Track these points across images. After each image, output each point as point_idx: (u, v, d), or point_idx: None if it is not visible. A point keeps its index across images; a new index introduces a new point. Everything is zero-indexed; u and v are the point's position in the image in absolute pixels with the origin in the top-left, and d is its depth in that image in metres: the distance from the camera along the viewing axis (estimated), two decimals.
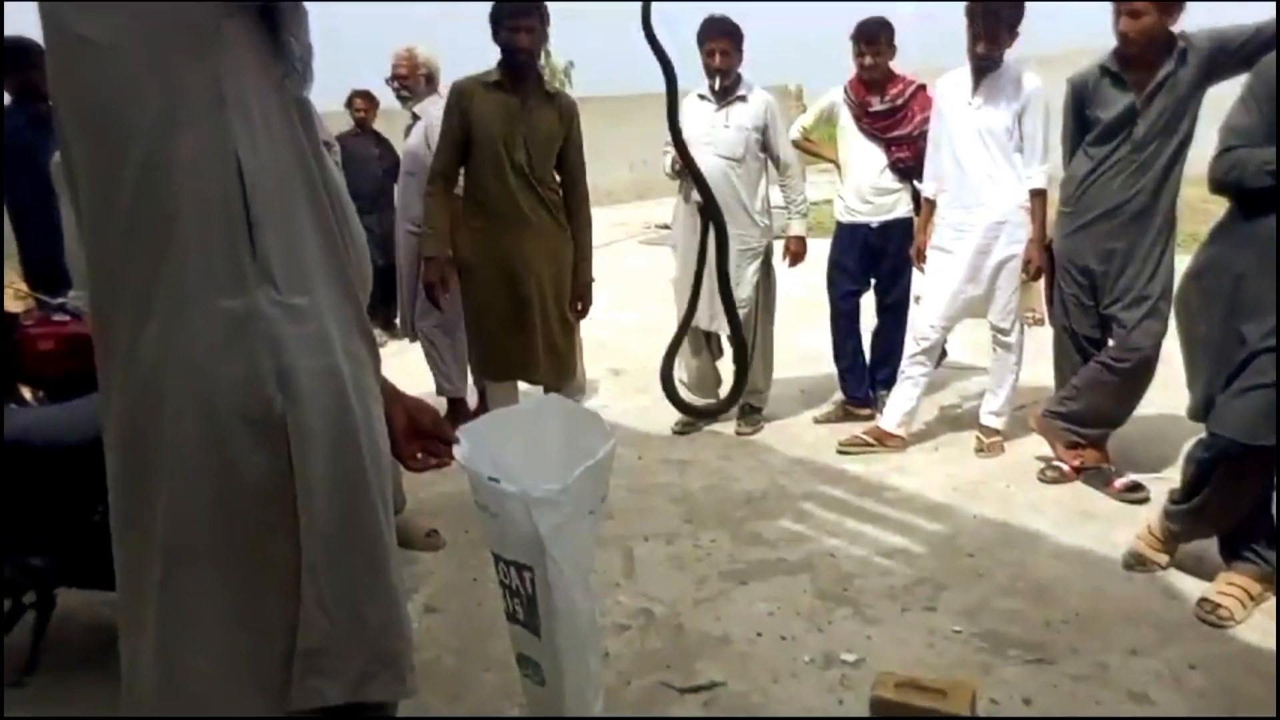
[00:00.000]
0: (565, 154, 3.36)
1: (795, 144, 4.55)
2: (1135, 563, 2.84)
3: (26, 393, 3.65)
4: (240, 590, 1.13)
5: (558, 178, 3.39)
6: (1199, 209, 3.78)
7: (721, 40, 3.85)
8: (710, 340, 4.29)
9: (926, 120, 3.96)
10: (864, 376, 4.38)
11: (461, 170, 3.38)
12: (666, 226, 11.61)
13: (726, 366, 4.37)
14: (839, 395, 4.45)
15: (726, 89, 3.96)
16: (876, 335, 4.39)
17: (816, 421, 4.40)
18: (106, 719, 2.36)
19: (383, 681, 1.24)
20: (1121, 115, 3.15)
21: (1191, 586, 2.72)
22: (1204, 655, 2.41)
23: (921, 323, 3.88)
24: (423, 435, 1.46)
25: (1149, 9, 2.99)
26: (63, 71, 1.06)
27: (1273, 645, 2.42)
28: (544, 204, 3.31)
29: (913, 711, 2.18)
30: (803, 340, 5.44)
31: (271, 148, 1.11)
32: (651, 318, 5.80)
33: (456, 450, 1.53)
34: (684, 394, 4.33)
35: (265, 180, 1.09)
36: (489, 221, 3.29)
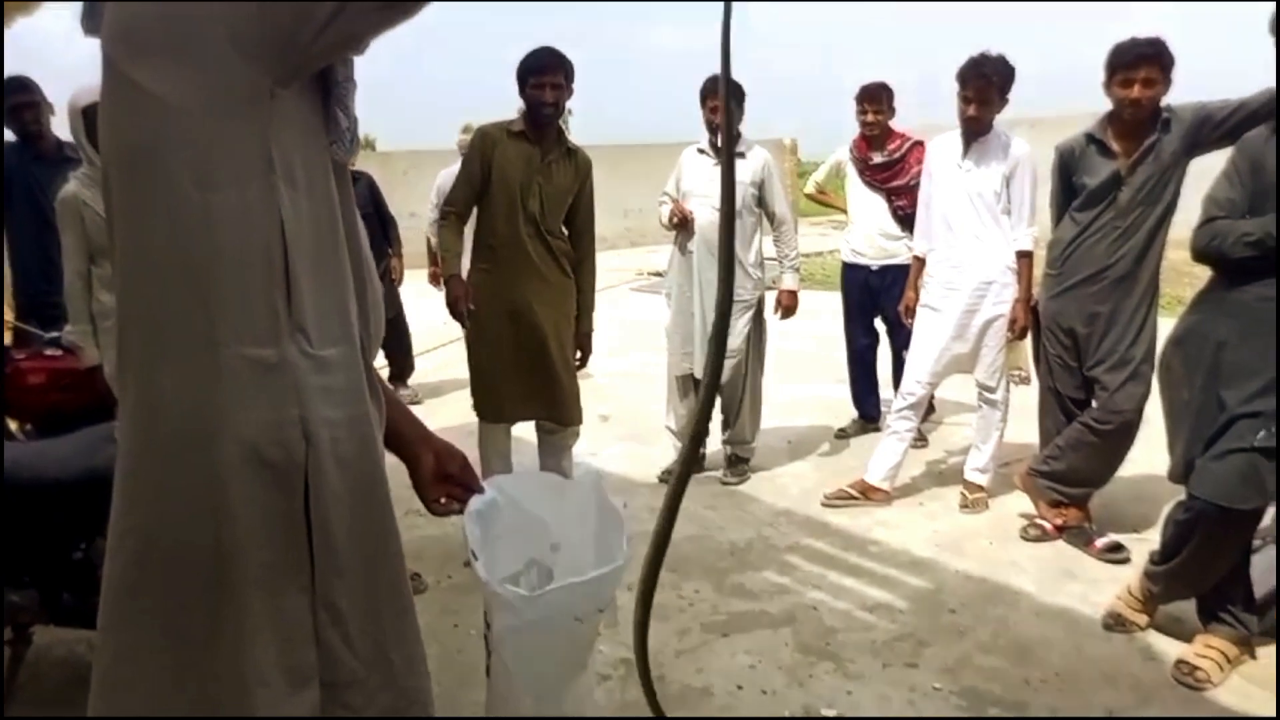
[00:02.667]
0: (576, 208, 3.44)
1: (810, 197, 5.40)
2: (1115, 623, 2.85)
3: (13, 425, 3.64)
4: (228, 634, 1.14)
5: (566, 230, 3.45)
6: (1183, 272, 3.86)
7: (721, 99, 3.94)
8: (699, 385, 4.32)
9: (921, 172, 4.10)
10: (876, 399, 4.92)
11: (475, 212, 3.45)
12: (659, 274, 11.78)
13: (717, 416, 4.40)
14: (855, 413, 4.98)
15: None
16: (895, 373, 4.59)
17: (837, 436, 4.88)
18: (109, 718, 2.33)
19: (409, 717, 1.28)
20: (1107, 182, 3.22)
21: (1170, 648, 2.73)
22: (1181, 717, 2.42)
23: (909, 379, 3.92)
24: (449, 480, 1.47)
25: (1161, 81, 3.09)
26: (114, 114, 1.09)
27: (1249, 709, 2.43)
28: (552, 253, 3.37)
29: None
30: (790, 391, 5.49)
31: (312, 208, 1.16)
32: (641, 365, 5.85)
33: (471, 502, 1.53)
34: (671, 442, 4.39)
35: (304, 238, 1.14)
36: (497, 265, 3.35)
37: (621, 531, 1.73)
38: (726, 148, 1.08)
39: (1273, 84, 2.80)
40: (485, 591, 1.61)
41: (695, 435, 1.23)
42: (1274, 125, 2.61)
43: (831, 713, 2.50)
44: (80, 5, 1.22)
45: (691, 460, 1.20)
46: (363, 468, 1.23)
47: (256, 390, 1.12)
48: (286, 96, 1.13)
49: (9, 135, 4.08)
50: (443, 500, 1.49)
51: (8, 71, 4.01)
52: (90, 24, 1.20)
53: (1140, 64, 3.08)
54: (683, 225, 4.08)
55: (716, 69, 1.02)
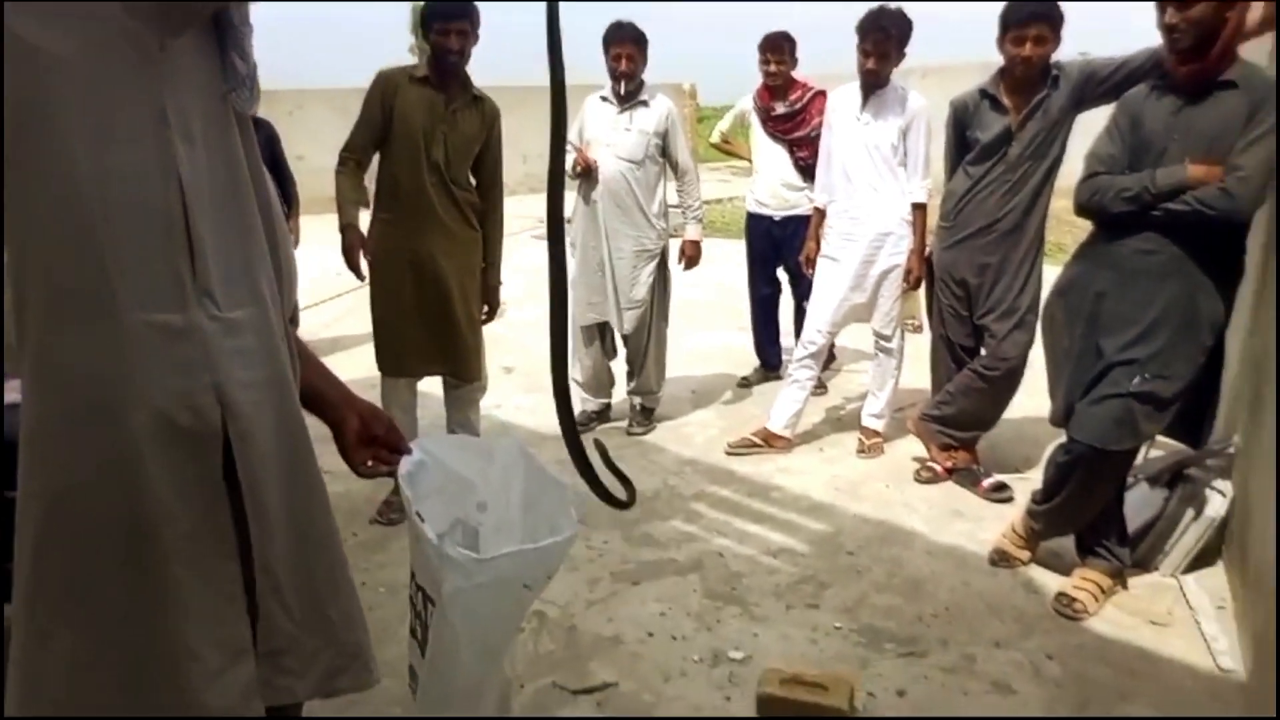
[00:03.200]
0: (483, 158, 3.35)
1: (715, 146, 5.36)
2: (1000, 559, 3.02)
3: None
4: (148, 608, 1.12)
5: (473, 180, 3.36)
6: (1064, 220, 4.01)
7: (628, 46, 3.90)
8: (605, 336, 4.32)
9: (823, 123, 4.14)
10: (778, 348, 5.01)
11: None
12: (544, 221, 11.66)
13: (619, 367, 4.43)
14: (757, 362, 5.06)
15: (630, 93, 4.00)
16: (797, 322, 4.64)
17: (740, 385, 4.95)
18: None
19: (351, 674, 1.31)
20: (998, 137, 3.33)
21: (1050, 581, 2.91)
22: (1060, 646, 2.59)
23: (809, 328, 4.01)
24: (375, 442, 1.46)
25: (1051, 39, 3.19)
26: (7, 75, 1.02)
27: (1121, 636, 2.62)
28: (456, 203, 3.28)
29: (796, 707, 2.28)
30: (693, 340, 5.55)
31: (211, 163, 1.11)
32: (543, 315, 5.70)
33: (402, 463, 1.52)
34: (577, 394, 4.39)
35: (204, 196, 1.10)
36: (400, 215, 3.24)
37: (566, 501, 1.73)
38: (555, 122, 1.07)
39: (1154, 44, 2.93)
40: (426, 550, 1.60)
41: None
42: (1152, 83, 2.72)
43: (739, 655, 2.58)
44: None
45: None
46: (286, 426, 1.23)
47: (164, 357, 1.09)
48: (179, 46, 1.08)
49: None
50: (369, 463, 1.48)
51: None
52: None
53: (1031, 22, 3.17)
54: (586, 174, 4.05)
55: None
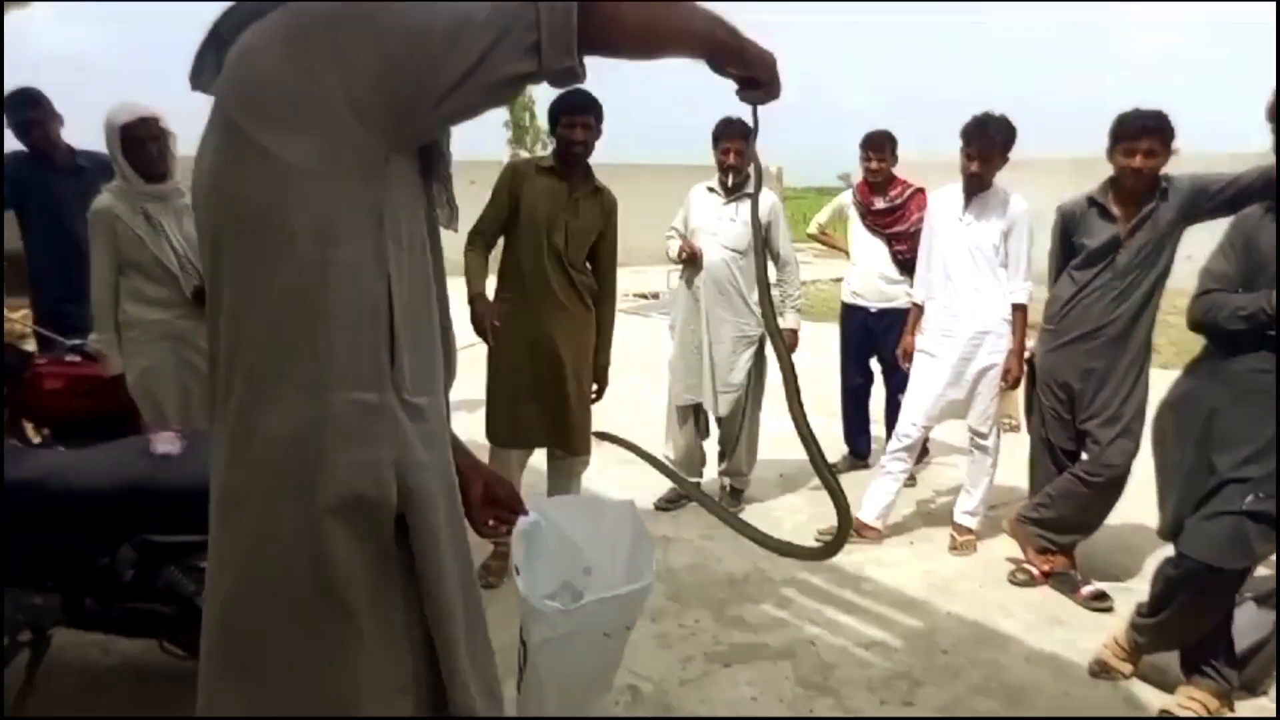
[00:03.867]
0: (600, 245, 3.54)
1: (812, 237, 5.46)
2: (1101, 670, 2.98)
3: (30, 429, 3.67)
4: (333, 654, 1.23)
5: (589, 265, 3.55)
6: (1160, 321, 3.97)
7: (737, 141, 4.07)
8: (698, 416, 4.42)
9: (922, 218, 4.25)
10: (868, 437, 5.10)
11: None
12: (644, 295, 11.91)
13: (711, 447, 4.51)
14: (846, 449, 5.14)
15: (737, 185, 4.16)
16: (888, 413, 4.73)
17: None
18: (114, 718, 2.38)
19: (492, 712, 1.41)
20: (1106, 244, 3.38)
21: (1153, 697, 2.86)
22: None
23: (904, 421, 4.05)
24: (496, 504, 1.58)
25: (1162, 152, 3.25)
26: (233, 173, 1.16)
27: None
28: (574, 285, 3.47)
29: None
30: (781, 425, 5.58)
31: (412, 265, 1.25)
32: (633, 389, 5.92)
33: (519, 523, 1.63)
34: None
35: (405, 293, 1.23)
36: (521, 296, 3.44)
37: (651, 553, 1.82)
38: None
39: (1265, 161, 2.97)
40: (524, 607, 1.71)
41: None
42: (1268, 204, 2.76)
43: None
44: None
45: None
46: (452, 505, 1.35)
47: (360, 432, 1.21)
48: (398, 163, 1.22)
49: (17, 145, 4.07)
50: (490, 523, 1.59)
51: (14, 80, 4.04)
52: (198, 82, 1.28)
53: (1143, 135, 3.24)
54: (690, 261, 4.20)
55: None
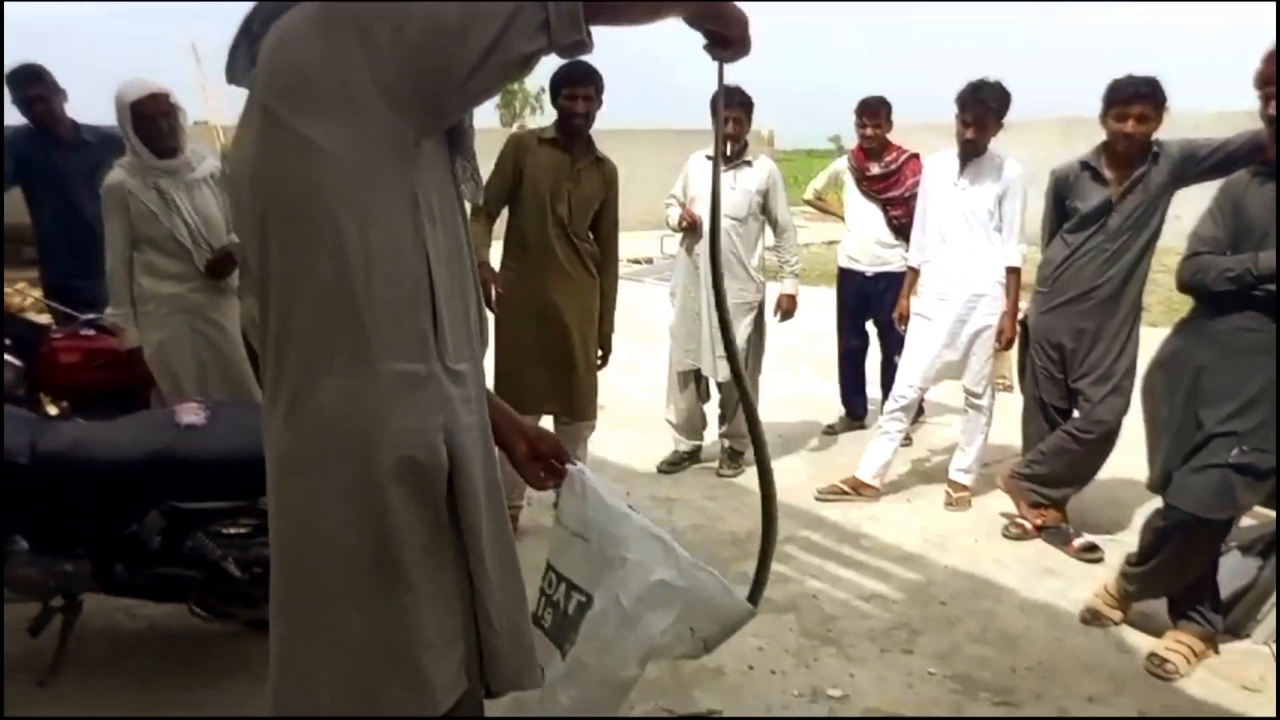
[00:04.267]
0: (602, 214, 3.61)
1: (808, 202, 5.53)
2: (1092, 618, 3.11)
3: (48, 402, 3.74)
4: (392, 607, 1.32)
5: (592, 235, 3.62)
6: (1151, 281, 4.06)
7: (734, 109, 4.12)
8: (699, 381, 4.51)
9: (917, 183, 4.31)
10: (864, 398, 5.22)
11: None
12: (639, 261, 11.95)
13: (711, 410, 4.61)
14: (843, 410, 5.24)
15: (735, 153, 4.22)
16: (884, 374, 4.83)
17: (825, 432, 5.12)
18: (112, 718, 2.48)
19: (530, 676, 1.52)
20: (1098, 208, 3.46)
21: (1142, 642, 2.99)
22: (1152, 704, 2.68)
23: (901, 382, 4.15)
24: (542, 459, 1.67)
25: (1154, 118, 3.33)
26: (275, 160, 1.23)
27: (1213, 699, 2.69)
28: (578, 254, 3.55)
29: None
30: (781, 387, 5.70)
31: (446, 240, 1.33)
32: (632, 354, 6.00)
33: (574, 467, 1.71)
34: (670, 435, 4.59)
35: (442, 267, 1.31)
36: (526, 265, 3.52)
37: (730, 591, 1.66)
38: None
39: (1253, 127, 3.05)
40: (604, 542, 1.67)
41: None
42: (1254, 168, 2.84)
43: (837, 693, 2.72)
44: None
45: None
46: (488, 463, 1.44)
47: (409, 400, 1.29)
48: (429, 145, 1.29)
49: (20, 119, 4.09)
50: (542, 474, 1.69)
51: (19, 58, 4.06)
52: (233, 74, 1.35)
53: (1135, 101, 3.32)
54: (691, 229, 4.27)
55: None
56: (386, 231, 1.25)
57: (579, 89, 3.40)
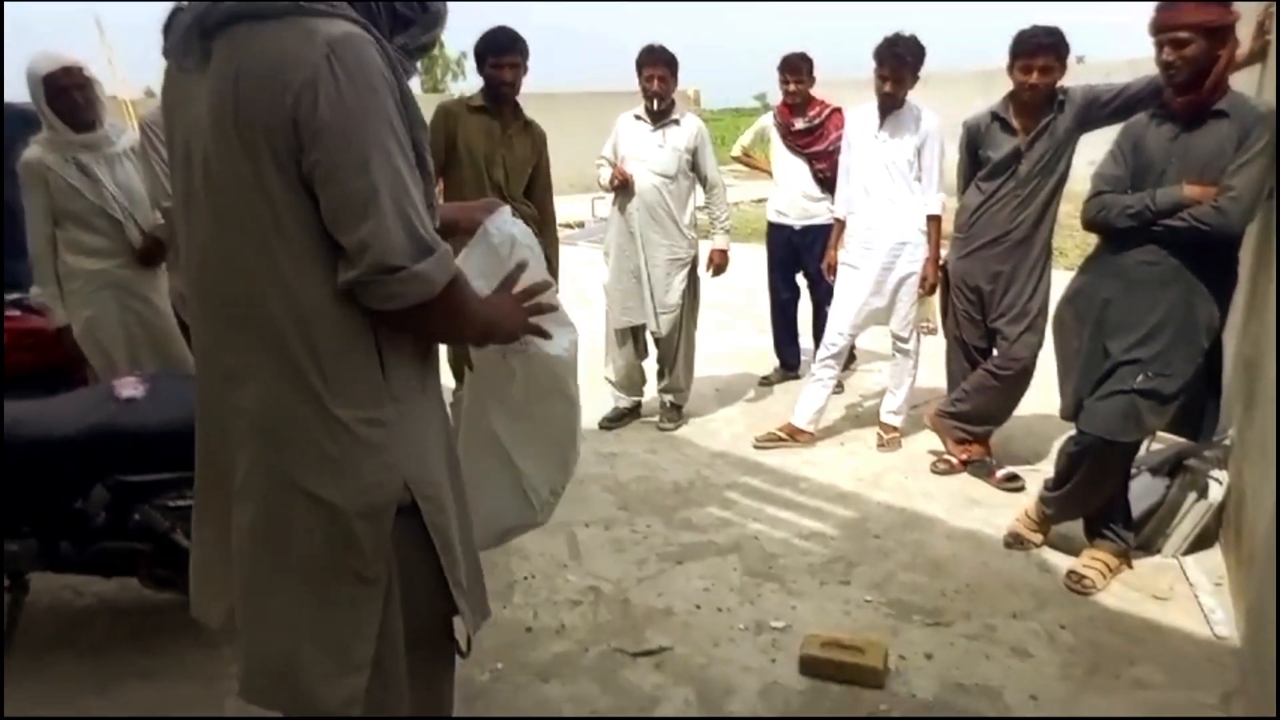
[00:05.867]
0: (536, 176, 3.64)
1: (736, 159, 5.49)
2: (1014, 542, 3.30)
3: None
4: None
5: (527, 198, 3.66)
6: (1063, 225, 4.26)
7: (659, 67, 4.17)
8: (637, 338, 4.60)
9: (840, 137, 4.43)
10: (796, 349, 5.35)
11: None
12: (571, 225, 11.95)
13: (650, 366, 4.70)
14: (777, 362, 5.37)
15: (662, 112, 4.28)
16: (815, 324, 4.99)
17: (761, 383, 5.27)
18: (111, 719, 2.50)
19: (483, 613, 1.64)
20: (1008, 156, 3.62)
21: (1061, 561, 3.19)
22: (1072, 617, 2.87)
23: (831, 330, 4.30)
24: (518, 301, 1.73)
25: (1057, 68, 3.48)
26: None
27: (1128, 609, 2.90)
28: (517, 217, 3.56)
29: (836, 667, 2.56)
30: (714, 342, 5.83)
31: None
32: (575, 316, 6.02)
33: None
34: (610, 392, 4.67)
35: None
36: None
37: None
38: None
39: (1152, 72, 3.21)
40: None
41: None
42: (1152, 110, 3.00)
43: (780, 624, 2.86)
44: None
45: None
46: (449, 461, 1.58)
47: (371, 445, 1.38)
48: None
49: None
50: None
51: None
52: (184, 62, 1.33)
53: (1039, 52, 3.46)
54: (623, 187, 4.32)
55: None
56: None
57: (505, 57, 3.43)
